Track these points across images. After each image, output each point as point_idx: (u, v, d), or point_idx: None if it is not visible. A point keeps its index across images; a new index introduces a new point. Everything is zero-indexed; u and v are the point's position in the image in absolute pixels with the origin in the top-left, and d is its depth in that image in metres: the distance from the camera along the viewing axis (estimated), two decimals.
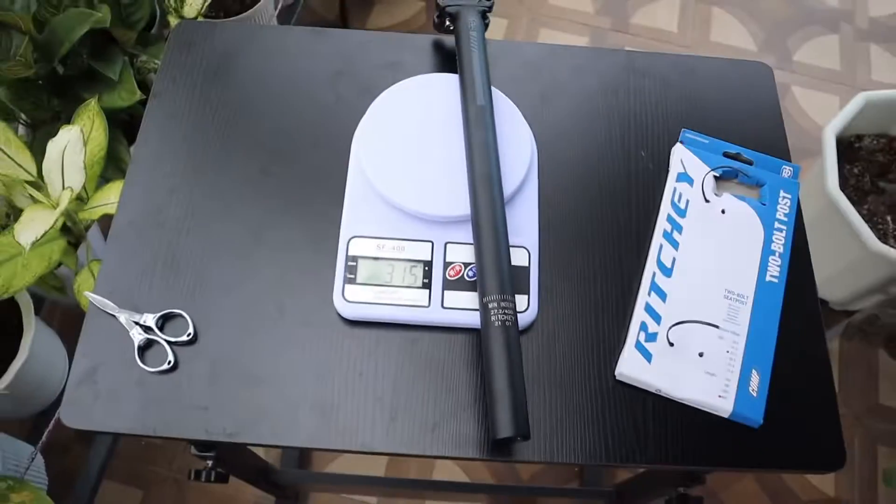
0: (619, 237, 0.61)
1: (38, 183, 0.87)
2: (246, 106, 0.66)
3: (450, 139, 0.60)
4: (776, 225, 0.60)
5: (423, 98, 0.62)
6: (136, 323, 0.54)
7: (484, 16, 0.64)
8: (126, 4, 1.09)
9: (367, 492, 1.22)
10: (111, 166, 1.07)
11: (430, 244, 0.57)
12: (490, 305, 0.50)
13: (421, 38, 0.71)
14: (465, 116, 0.58)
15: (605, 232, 0.61)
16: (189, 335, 0.54)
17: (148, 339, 0.54)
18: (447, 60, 0.69)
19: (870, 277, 1.21)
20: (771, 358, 0.55)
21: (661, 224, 0.60)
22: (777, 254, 0.59)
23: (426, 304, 0.55)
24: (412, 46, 0.70)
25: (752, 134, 0.67)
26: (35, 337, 1.02)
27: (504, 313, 0.50)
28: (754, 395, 0.53)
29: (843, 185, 1.22)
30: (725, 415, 0.53)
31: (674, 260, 0.58)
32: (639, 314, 0.56)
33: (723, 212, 0.61)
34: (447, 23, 0.66)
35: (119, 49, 1.08)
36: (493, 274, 0.51)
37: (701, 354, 0.55)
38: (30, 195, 0.87)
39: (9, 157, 0.86)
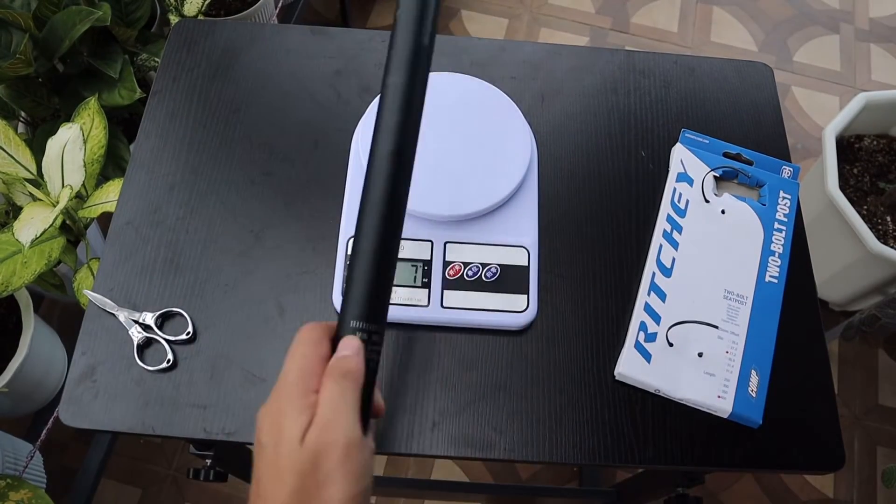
0: (619, 237, 0.60)
1: (38, 181, 0.87)
2: (246, 105, 0.65)
3: (450, 138, 0.59)
4: (776, 225, 0.60)
5: None
6: (136, 321, 0.54)
7: None
8: (126, 2, 1.09)
9: None
10: (111, 164, 1.07)
11: (430, 244, 0.57)
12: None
13: None
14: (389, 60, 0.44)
15: (605, 232, 0.61)
16: (188, 334, 0.54)
17: (147, 337, 0.54)
18: (447, 59, 0.69)
19: (869, 278, 1.21)
20: (770, 358, 0.55)
21: (661, 224, 0.60)
22: (777, 254, 0.59)
23: (425, 303, 0.55)
24: None
25: (751, 134, 0.67)
26: (34, 335, 1.02)
27: (371, 348, 0.38)
28: (753, 395, 0.53)
29: (843, 186, 1.22)
30: (725, 415, 0.53)
31: (673, 260, 0.58)
32: (638, 314, 0.56)
33: (723, 212, 0.61)
34: None
35: (119, 47, 1.08)
36: (358, 284, 0.39)
37: (700, 355, 0.55)
38: (29, 193, 0.87)
39: (8, 154, 0.86)
